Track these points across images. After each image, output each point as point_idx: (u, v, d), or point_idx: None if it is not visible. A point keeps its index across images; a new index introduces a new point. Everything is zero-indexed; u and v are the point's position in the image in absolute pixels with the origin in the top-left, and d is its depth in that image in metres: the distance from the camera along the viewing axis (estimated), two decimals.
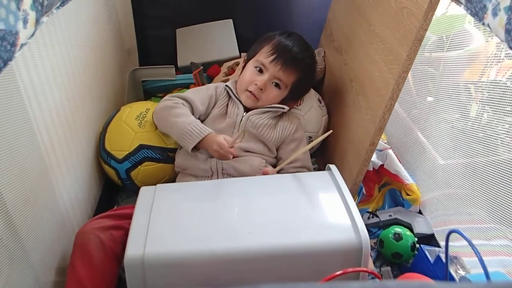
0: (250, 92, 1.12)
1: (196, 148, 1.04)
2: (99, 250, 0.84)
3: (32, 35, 0.63)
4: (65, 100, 0.98)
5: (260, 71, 1.13)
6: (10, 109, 0.74)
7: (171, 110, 1.09)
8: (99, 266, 0.83)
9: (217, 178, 1.05)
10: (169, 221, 0.79)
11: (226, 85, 1.17)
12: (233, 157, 1.06)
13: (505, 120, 0.90)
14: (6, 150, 0.72)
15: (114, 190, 1.25)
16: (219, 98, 1.16)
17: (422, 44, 0.85)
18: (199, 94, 1.15)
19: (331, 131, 1.06)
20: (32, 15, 0.61)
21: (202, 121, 1.11)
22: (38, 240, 0.83)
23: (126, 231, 0.79)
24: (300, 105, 1.26)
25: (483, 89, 1.02)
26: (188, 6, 1.65)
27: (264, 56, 1.13)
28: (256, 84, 1.11)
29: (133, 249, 0.72)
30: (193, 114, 1.10)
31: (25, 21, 0.59)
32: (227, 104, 1.15)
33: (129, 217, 0.81)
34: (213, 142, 1.02)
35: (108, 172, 1.18)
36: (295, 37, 1.16)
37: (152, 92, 1.54)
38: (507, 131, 0.89)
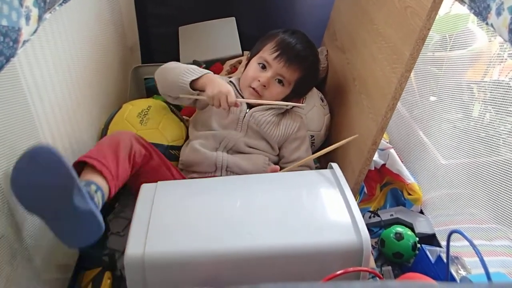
0: (253, 88, 1.12)
1: (193, 88, 1.05)
2: (126, 151, 0.89)
3: (35, 31, 0.63)
4: (67, 96, 0.98)
5: (264, 67, 1.13)
6: (12, 106, 0.74)
7: (173, 64, 1.13)
8: (121, 159, 0.86)
9: (220, 176, 1.05)
10: (170, 219, 0.79)
11: (230, 81, 1.17)
12: (236, 153, 1.06)
13: (507, 120, 0.89)
14: (8, 146, 0.72)
15: None
16: None
17: (425, 43, 0.85)
18: None
19: (356, 135, 1.02)
20: (34, 12, 0.61)
21: (205, 117, 1.11)
22: (40, 237, 0.83)
23: (151, 157, 0.95)
24: (302, 103, 1.26)
25: (485, 89, 1.02)
26: (191, 4, 1.65)
27: (267, 53, 1.13)
28: (259, 81, 1.11)
29: (133, 248, 0.72)
30: None
31: (27, 18, 0.59)
32: None
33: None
34: (216, 84, 1.04)
35: None
36: (299, 35, 1.16)
37: (154, 89, 1.53)
38: (509, 131, 0.89)
